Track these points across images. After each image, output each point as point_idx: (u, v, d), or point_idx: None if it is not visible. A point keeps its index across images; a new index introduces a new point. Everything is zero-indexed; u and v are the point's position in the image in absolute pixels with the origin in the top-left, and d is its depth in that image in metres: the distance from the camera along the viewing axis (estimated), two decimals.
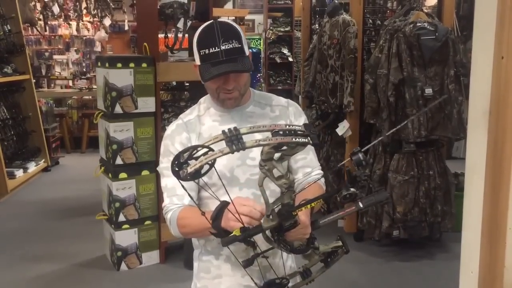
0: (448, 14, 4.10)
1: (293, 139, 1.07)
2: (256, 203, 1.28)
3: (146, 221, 3.69)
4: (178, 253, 3.79)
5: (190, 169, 1.08)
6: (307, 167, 1.58)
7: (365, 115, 3.86)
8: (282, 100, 1.61)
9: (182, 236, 1.52)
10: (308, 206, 1.19)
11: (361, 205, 1.18)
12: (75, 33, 9.07)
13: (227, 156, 1.42)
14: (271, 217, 1.20)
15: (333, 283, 3.26)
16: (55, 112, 7.51)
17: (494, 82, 1.57)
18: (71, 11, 8.78)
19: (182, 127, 1.53)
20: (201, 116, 1.56)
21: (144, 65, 3.56)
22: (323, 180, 1.57)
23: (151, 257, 3.75)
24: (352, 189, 1.14)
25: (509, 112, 1.51)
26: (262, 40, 8.80)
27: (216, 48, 1.39)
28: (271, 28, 8.40)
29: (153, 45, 3.63)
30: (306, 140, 1.08)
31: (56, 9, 8.40)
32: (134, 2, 6.69)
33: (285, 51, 8.46)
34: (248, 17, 8.07)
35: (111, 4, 8.44)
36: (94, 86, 7.02)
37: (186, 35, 3.72)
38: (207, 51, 1.40)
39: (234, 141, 1.08)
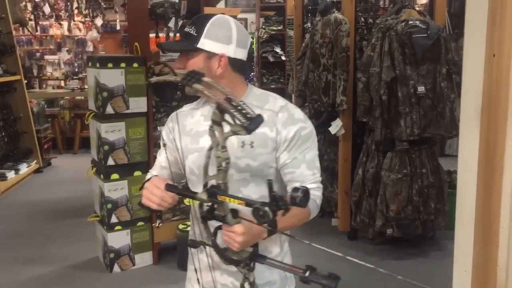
0: (440, 12, 4.09)
1: (232, 111, 1.04)
2: (163, 191, 1.32)
3: (138, 223, 3.67)
4: (171, 254, 3.77)
5: (152, 80, 1.23)
6: (295, 182, 1.49)
7: (358, 114, 3.85)
8: (277, 105, 1.51)
9: None
10: (232, 200, 1.10)
11: (307, 274, 1.08)
12: (66, 33, 9.02)
13: (198, 154, 1.48)
14: (204, 190, 1.16)
15: None
16: (47, 112, 7.46)
17: (485, 80, 1.56)
18: (62, 11, 8.73)
19: (173, 117, 1.60)
20: (194, 110, 1.59)
21: (135, 65, 3.53)
22: (314, 194, 1.48)
23: (144, 259, 3.73)
24: (266, 208, 1.05)
25: (501, 109, 1.50)
26: (254, 39, 8.78)
27: (185, 29, 1.51)
28: (263, 27, 8.38)
29: (145, 45, 3.60)
30: (241, 121, 1.02)
31: (47, 9, 8.35)
32: (126, 1, 6.66)
33: (278, 50, 8.45)
34: (240, 16, 8.05)
35: (102, 4, 8.39)
36: (86, 87, 6.97)
37: (178, 35, 3.69)
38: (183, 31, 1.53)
39: (189, 77, 1.14)
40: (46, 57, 8.84)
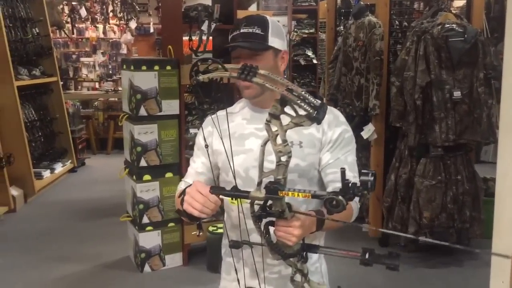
0: (478, 15, 4.00)
1: (298, 101, 1.00)
2: (207, 194, 1.26)
3: (169, 223, 3.70)
4: (201, 255, 3.78)
5: (201, 77, 1.17)
6: (338, 182, 1.47)
7: (391, 118, 3.79)
8: None
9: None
10: (296, 194, 1.08)
11: (367, 256, 1.07)
12: (101, 35, 9.21)
13: (244, 156, 1.44)
14: (260, 189, 1.13)
15: None
16: (82, 113, 7.63)
17: None
18: (98, 14, 8.93)
19: (209, 121, 1.59)
20: (233, 114, 1.58)
21: (168, 67, 3.57)
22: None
23: (174, 259, 3.76)
24: (340, 197, 1.02)
25: None
26: (286, 42, 8.77)
27: (238, 31, 1.47)
28: (295, 30, 8.36)
29: (178, 48, 3.64)
30: (310, 111, 0.99)
31: (83, 12, 8.55)
32: (159, 5, 6.74)
33: (310, 53, 8.41)
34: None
35: (136, 7, 8.53)
36: (120, 88, 7.10)
37: (210, 38, 3.71)
38: (235, 32, 1.48)
39: (246, 72, 1.07)
40: (82, 59, 9.06)
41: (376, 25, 3.92)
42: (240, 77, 1.06)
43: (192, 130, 3.74)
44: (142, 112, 3.53)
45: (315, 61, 8.39)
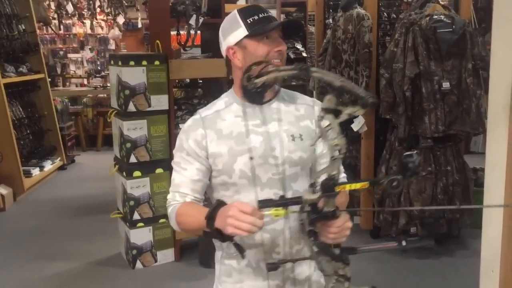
0: (465, 6, 4.01)
1: (355, 90, 1.03)
2: (255, 210, 1.20)
3: (160, 219, 3.68)
4: (193, 251, 3.78)
5: (257, 81, 1.19)
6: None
7: (380, 110, 3.80)
8: (308, 99, 1.55)
9: (181, 231, 1.50)
10: (353, 185, 1.10)
11: (404, 244, 1.12)
12: (89, 31, 9.13)
13: (248, 154, 1.41)
14: (313, 189, 1.12)
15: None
16: (70, 110, 7.57)
17: None
18: (85, 10, 8.84)
19: (199, 123, 1.47)
20: (221, 111, 1.48)
21: (156, 62, 3.54)
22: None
23: (166, 255, 3.75)
24: (399, 177, 1.06)
25: None
26: None
27: (264, 13, 1.43)
28: None
29: (166, 43, 3.61)
30: (368, 97, 1.03)
31: (70, 7, 8.47)
32: None
33: (299, 46, 8.38)
34: None
35: (124, 2, 8.46)
36: (109, 84, 7.05)
37: (199, 32, 3.69)
38: (256, 17, 1.42)
39: (306, 71, 1.12)
40: (69, 55, 8.98)
41: (364, 17, 3.92)
42: (300, 74, 1.11)
43: (181, 125, 3.71)
44: (131, 108, 3.50)
45: (304, 54, 8.37)
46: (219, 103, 1.51)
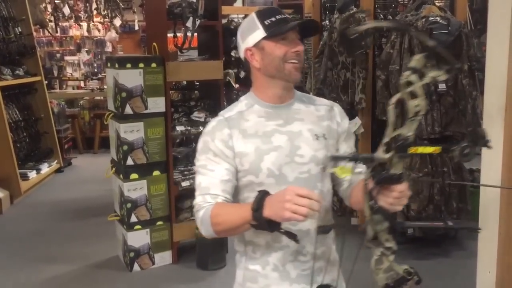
0: (461, 7, 4.02)
1: (443, 53, 1.04)
2: (311, 193, 1.20)
3: (158, 222, 3.68)
4: (191, 253, 3.77)
5: (358, 28, 1.16)
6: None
7: (377, 112, 3.81)
8: (325, 101, 1.58)
9: (215, 234, 1.41)
10: (425, 149, 1.08)
11: (450, 223, 1.12)
12: (86, 34, 9.12)
13: (276, 153, 1.43)
14: (385, 149, 1.10)
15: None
16: (67, 113, 7.56)
17: (509, 77, 1.53)
18: (81, 12, 8.83)
19: (223, 123, 1.47)
20: (244, 112, 1.49)
21: (153, 65, 3.54)
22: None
23: (163, 258, 3.74)
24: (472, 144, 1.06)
25: None
26: None
27: (282, 15, 1.45)
28: None
29: (162, 45, 3.61)
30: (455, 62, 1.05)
31: (66, 10, 8.46)
32: (143, 1, 6.70)
33: None
34: None
35: (121, 4, 8.46)
36: (105, 87, 7.05)
37: (195, 34, 3.69)
38: (273, 19, 1.43)
39: (401, 23, 1.12)
40: (66, 58, 8.96)
41: (361, 19, 3.92)
42: (398, 28, 1.12)
43: (178, 128, 3.71)
44: (128, 110, 3.50)
45: None
46: (240, 105, 1.52)
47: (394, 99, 1.10)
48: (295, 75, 1.45)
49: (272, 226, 1.25)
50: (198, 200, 1.43)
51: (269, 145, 1.43)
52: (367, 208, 1.18)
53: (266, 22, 1.43)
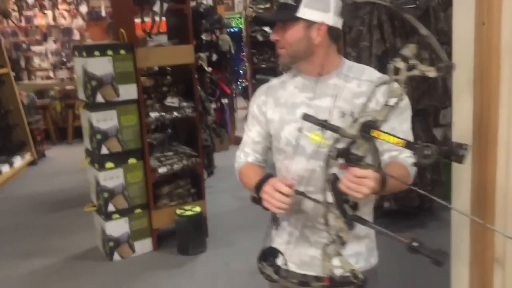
0: None
1: (436, 47, 1.06)
2: (289, 191, 1.32)
3: (136, 210, 3.66)
4: (171, 239, 3.77)
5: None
6: (394, 150, 1.48)
7: None
8: (375, 76, 1.49)
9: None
10: (388, 137, 1.06)
11: (414, 244, 1.08)
12: (51, 22, 8.88)
13: (296, 125, 1.48)
14: (354, 127, 1.10)
15: None
16: (38, 104, 7.39)
17: (476, 49, 1.54)
18: (45, 0, 8.59)
19: (263, 91, 1.61)
20: (286, 82, 1.58)
21: (122, 52, 3.49)
22: (410, 163, 1.49)
23: (144, 245, 3.73)
24: (434, 146, 1.04)
25: (493, 79, 1.49)
26: (242, 18, 8.69)
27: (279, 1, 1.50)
28: (250, 6, 8.28)
29: (130, 31, 3.55)
30: (445, 60, 1.02)
31: None
32: None
33: (267, 28, 8.34)
34: None
35: None
36: (75, 76, 6.92)
37: (164, 19, 3.64)
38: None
39: (397, 5, 1.10)
40: (33, 48, 8.74)
41: None
42: (394, 7, 1.10)
43: (152, 114, 3.67)
44: (99, 98, 3.45)
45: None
46: (287, 74, 1.60)
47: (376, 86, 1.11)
48: (280, 59, 1.54)
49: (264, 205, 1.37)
50: (237, 152, 1.68)
51: (292, 116, 1.50)
52: (326, 179, 1.21)
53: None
